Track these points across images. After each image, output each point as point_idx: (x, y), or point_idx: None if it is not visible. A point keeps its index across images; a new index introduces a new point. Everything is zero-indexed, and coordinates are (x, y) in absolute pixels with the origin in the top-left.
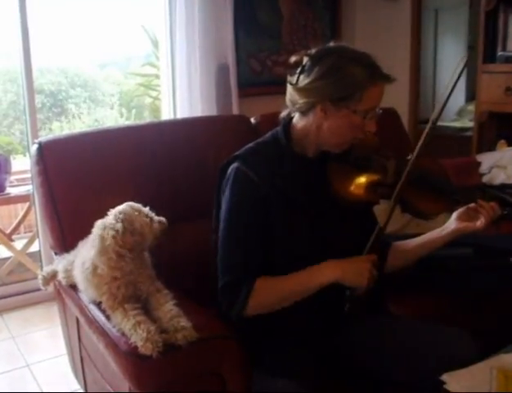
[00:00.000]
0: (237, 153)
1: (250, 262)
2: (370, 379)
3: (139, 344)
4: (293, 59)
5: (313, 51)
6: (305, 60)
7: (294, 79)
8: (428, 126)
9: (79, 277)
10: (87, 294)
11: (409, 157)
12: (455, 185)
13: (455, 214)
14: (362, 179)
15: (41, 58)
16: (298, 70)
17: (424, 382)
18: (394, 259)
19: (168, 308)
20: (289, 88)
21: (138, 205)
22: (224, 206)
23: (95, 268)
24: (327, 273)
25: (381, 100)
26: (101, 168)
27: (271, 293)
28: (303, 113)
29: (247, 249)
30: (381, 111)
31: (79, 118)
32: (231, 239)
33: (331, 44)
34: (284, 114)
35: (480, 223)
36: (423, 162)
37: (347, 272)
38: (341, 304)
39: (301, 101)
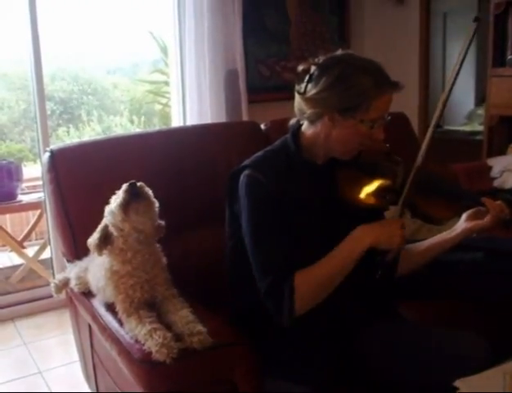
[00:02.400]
0: (246, 162)
1: (284, 260)
2: (383, 385)
3: (154, 349)
4: (300, 68)
5: (321, 59)
6: (313, 68)
7: (301, 88)
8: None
9: (96, 279)
10: (104, 295)
11: (419, 164)
12: (464, 189)
13: (464, 216)
14: (371, 185)
15: (51, 65)
16: (306, 78)
17: (437, 388)
18: (404, 263)
19: (184, 313)
20: (297, 96)
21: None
22: (244, 214)
23: (111, 266)
24: (364, 238)
25: (389, 107)
26: (113, 175)
27: (313, 283)
28: (312, 122)
29: (277, 248)
30: (389, 118)
31: (89, 125)
32: (258, 244)
33: (339, 52)
34: (293, 121)
35: (487, 219)
36: (432, 167)
37: (380, 235)
38: (360, 296)
39: (309, 111)
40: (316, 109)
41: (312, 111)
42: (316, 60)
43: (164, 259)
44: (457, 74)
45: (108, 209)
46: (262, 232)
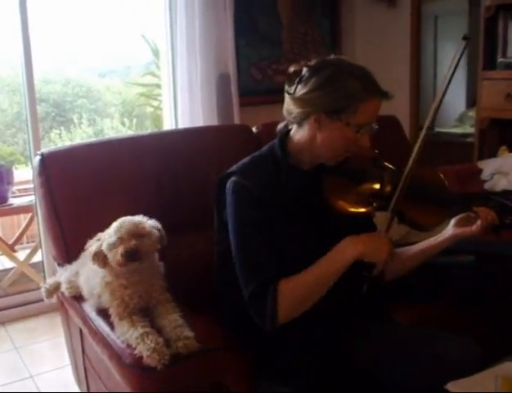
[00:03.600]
0: (233, 169)
1: (268, 267)
2: (376, 388)
3: (145, 354)
4: (292, 69)
5: (312, 62)
6: (304, 70)
7: (291, 89)
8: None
9: (90, 285)
10: (98, 301)
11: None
12: (453, 194)
13: (453, 221)
14: (357, 192)
15: (43, 68)
16: (297, 80)
17: (428, 391)
18: (393, 267)
19: (173, 317)
20: (286, 97)
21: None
22: (230, 221)
23: (104, 276)
24: (349, 251)
25: (376, 117)
26: (104, 179)
27: (297, 291)
28: (299, 124)
29: (263, 255)
30: (377, 127)
31: (80, 128)
32: (244, 250)
33: (331, 57)
34: (281, 126)
35: (476, 227)
36: (419, 172)
37: (367, 248)
38: (351, 303)
39: (296, 110)
40: (304, 109)
41: (300, 111)
42: (308, 62)
43: (162, 268)
44: (445, 92)
45: (104, 238)
46: (248, 238)
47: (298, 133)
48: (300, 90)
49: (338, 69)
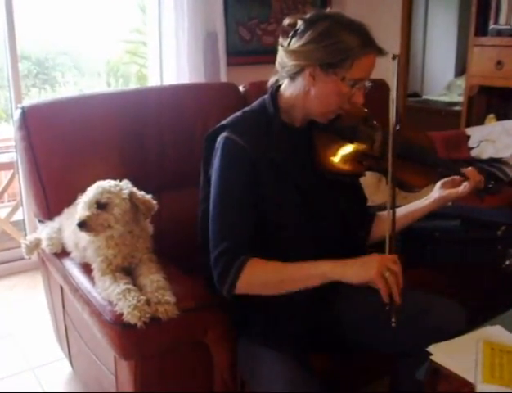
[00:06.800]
0: (224, 122)
1: (244, 232)
2: (358, 351)
3: (126, 311)
4: (287, 21)
5: (308, 15)
6: (299, 23)
7: (286, 42)
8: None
9: (77, 237)
10: (83, 255)
11: (398, 128)
12: (441, 158)
13: (439, 183)
14: (348, 150)
15: (25, 24)
16: (291, 33)
17: (410, 353)
18: (378, 230)
19: (156, 278)
20: (280, 50)
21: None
22: (214, 176)
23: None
24: (325, 266)
25: (371, 73)
26: (86, 134)
27: (263, 276)
28: (292, 78)
29: (239, 218)
30: (371, 84)
31: (65, 86)
32: (222, 209)
33: (327, 10)
34: (272, 81)
35: (463, 188)
36: (409, 135)
37: (349, 265)
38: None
39: (290, 63)
40: (298, 61)
41: (294, 64)
42: (303, 16)
43: (151, 229)
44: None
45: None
46: (229, 197)
47: (290, 88)
48: (295, 43)
49: (334, 22)
